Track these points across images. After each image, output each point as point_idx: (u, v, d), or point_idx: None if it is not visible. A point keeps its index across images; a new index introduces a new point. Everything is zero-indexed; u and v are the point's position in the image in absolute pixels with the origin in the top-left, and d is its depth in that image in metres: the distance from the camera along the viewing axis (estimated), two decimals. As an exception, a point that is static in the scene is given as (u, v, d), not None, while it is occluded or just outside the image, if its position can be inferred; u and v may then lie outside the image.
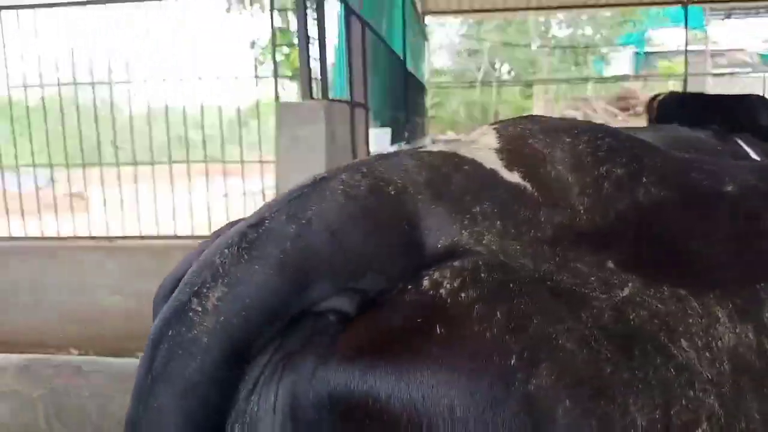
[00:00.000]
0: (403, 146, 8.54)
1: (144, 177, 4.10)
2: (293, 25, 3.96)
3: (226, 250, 0.61)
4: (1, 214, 4.12)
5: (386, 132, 5.85)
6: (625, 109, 17.21)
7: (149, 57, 3.97)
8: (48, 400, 2.10)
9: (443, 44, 24.77)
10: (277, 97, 3.64)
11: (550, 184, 0.69)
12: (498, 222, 0.62)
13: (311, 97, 3.56)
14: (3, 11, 3.95)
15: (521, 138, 0.75)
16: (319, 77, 3.81)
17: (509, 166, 0.70)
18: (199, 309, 0.57)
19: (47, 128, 4.07)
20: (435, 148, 0.73)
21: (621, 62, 21.80)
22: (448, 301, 0.56)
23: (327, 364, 0.56)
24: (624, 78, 19.40)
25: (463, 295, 0.56)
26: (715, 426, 0.52)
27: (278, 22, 5.02)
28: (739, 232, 0.70)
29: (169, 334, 0.58)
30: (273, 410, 0.57)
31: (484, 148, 0.73)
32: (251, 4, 6.44)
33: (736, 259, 0.66)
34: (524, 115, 0.87)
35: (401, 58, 9.05)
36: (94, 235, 4.05)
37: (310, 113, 3.35)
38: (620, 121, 17.41)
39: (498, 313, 0.54)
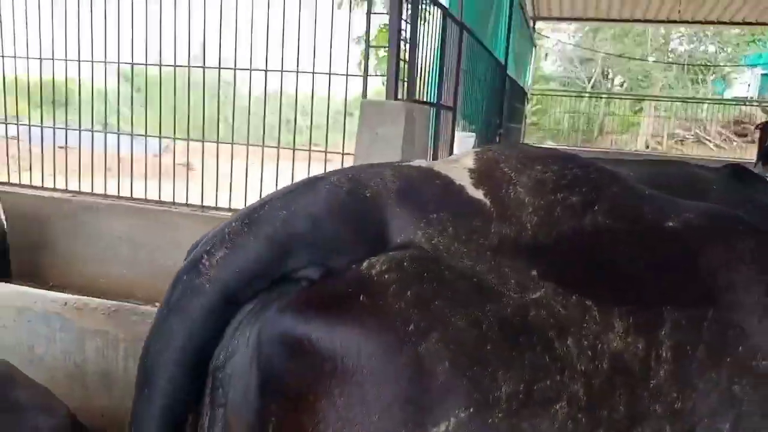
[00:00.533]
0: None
1: (254, 156, 4.39)
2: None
3: (233, 224, 0.81)
4: (115, 174, 4.60)
5: (471, 136, 5.93)
6: (741, 135, 16.20)
7: (268, 46, 4.24)
8: (129, 345, 2.37)
9: (554, 51, 24.25)
10: (364, 95, 3.85)
11: (507, 202, 0.82)
12: (450, 228, 0.77)
13: (395, 97, 3.74)
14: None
15: (495, 162, 0.89)
16: (406, 78, 3.99)
17: (476, 184, 0.84)
18: (207, 263, 0.78)
19: (175, 102, 4.40)
20: (420, 164, 0.88)
21: (744, 84, 20.42)
22: (375, 279, 0.72)
23: (283, 313, 0.75)
24: (745, 101, 18.19)
25: (386, 276, 0.72)
26: (573, 406, 0.65)
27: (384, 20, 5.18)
28: (663, 261, 0.80)
29: (184, 279, 0.78)
30: (247, 344, 0.76)
31: (460, 167, 0.88)
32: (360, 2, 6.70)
33: (653, 284, 0.77)
34: (514, 143, 1.01)
35: (502, 63, 9.05)
36: (191, 203, 4.45)
37: (390, 113, 3.53)
38: (734, 146, 16.37)
39: (408, 292, 0.69)
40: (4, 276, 3.75)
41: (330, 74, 4.18)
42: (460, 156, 0.93)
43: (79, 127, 4.65)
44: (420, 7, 4.11)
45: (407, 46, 3.93)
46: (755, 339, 0.76)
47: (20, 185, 4.66)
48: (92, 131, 4.59)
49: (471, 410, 0.64)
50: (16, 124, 5.04)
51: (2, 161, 4.92)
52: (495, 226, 0.79)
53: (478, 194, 0.83)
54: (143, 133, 4.62)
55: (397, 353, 0.67)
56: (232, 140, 4.39)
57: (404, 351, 0.67)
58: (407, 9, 3.90)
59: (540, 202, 0.83)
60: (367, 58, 3.78)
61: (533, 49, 14.31)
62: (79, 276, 4.21)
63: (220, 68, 4.42)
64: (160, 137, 4.59)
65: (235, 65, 4.38)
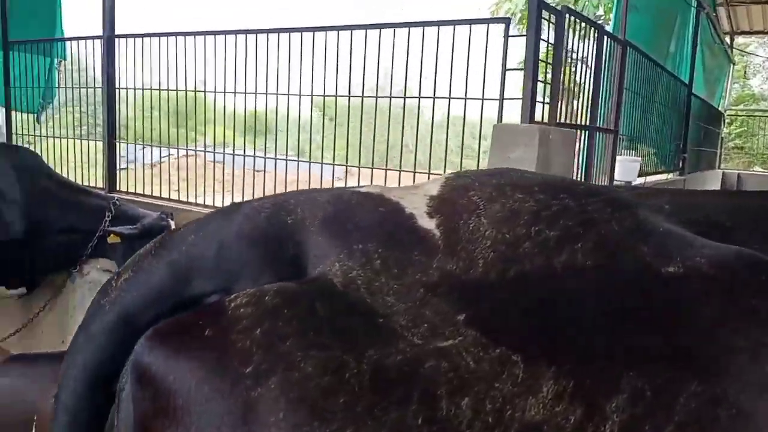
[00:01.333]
0: (669, 177, 7.78)
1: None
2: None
3: (148, 246, 0.82)
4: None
5: (636, 161, 5.44)
6: None
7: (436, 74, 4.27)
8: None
9: (765, 67, 21.53)
10: (500, 119, 3.73)
11: (462, 234, 0.72)
12: (378, 261, 0.69)
13: (531, 120, 3.58)
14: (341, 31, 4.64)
15: (465, 189, 0.79)
16: (549, 100, 3.80)
17: (431, 213, 0.75)
18: (114, 285, 0.79)
19: (361, 130, 4.58)
20: (369, 189, 0.81)
21: None
22: (229, 312, 0.67)
23: (142, 340, 0.73)
24: None
25: (241, 310, 0.66)
26: None
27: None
28: (643, 315, 0.64)
29: (95, 299, 0.81)
30: (131, 366, 0.75)
31: (420, 194, 0.79)
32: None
33: (620, 342, 0.62)
34: (504, 168, 0.88)
35: (685, 82, 8.23)
36: None
37: (523, 136, 3.37)
38: None
39: (258, 329, 0.63)
40: None
41: (481, 99, 4.10)
42: (429, 182, 0.84)
43: (275, 153, 5.06)
44: (567, 25, 3.91)
45: (548, 66, 3.75)
46: (760, 423, 0.58)
47: (193, 203, 5.23)
48: (285, 159, 5.00)
49: (300, 472, 0.56)
50: (222, 153, 5.62)
51: (208, 183, 5.55)
52: (438, 261, 0.69)
53: (429, 224, 0.73)
54: (331, 159, 4.89)
55: (227, 397, 0.61)
56: (414, 168, 4.48)
57: (234, 394, 0.61)
58: (550, 28, 3.73)
59: (505, 235, 0.72)
60: (503, 81, 3.67)
61: (730, 66, 12.81)
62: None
63: (390, 97, 4.56)
64: (343, 164, 4.86)
65: (419, 93, 4.43)
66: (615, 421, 0.56)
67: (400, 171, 4.34)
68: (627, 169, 5.25)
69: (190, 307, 0.78)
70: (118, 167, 5.77)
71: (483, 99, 3.84)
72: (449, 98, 4.00)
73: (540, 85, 3.75)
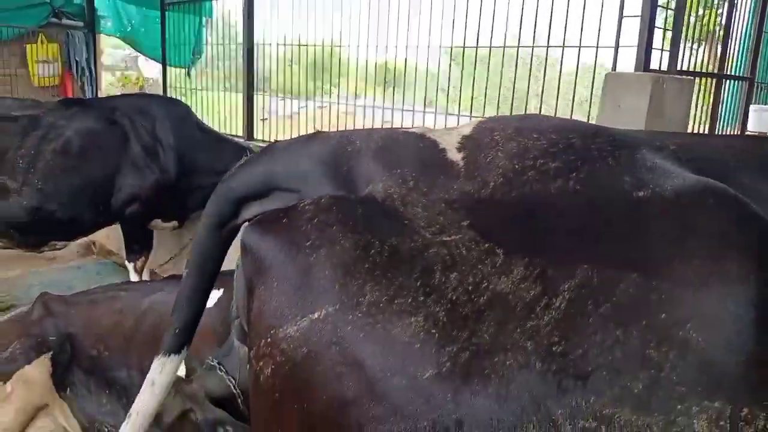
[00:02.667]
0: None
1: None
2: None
3: (258, 151, 1.11)
4: None
5: (771, 110, 5.05)
6: None
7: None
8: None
9: None
10: (614, 67, 3.70)
11: (480, 164, 0.93)
12: (411, 182, 0.92)
13: (646, 68, 3.52)
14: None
15: (490, 130, 0.99)
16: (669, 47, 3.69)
17: (459, 148, 0.96)
18: (231, 171, 1.10)
19: (486, 78, 4.66)
20: (416, 130, 1.03)
21: None
22: (299, 208, 0.94)
23: (247, 224, 1.02)
24: None
25: (306, 207, 0.93)
26: (429, 322, 0.77)
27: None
28: (605, 226, 0.83)
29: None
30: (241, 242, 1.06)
31: (455, 133, 1.00)
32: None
33: (584, 245, 0.82)
34: (534, 114, 1.06)
35: None
36: None
37: (634, 85, 3.34)
38: None
39: (316, 219, 0.90)
40: None
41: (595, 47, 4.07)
42: (467, 125, 1.04)
43: (402, 105, 5.32)
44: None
45: (668, 12, 3.63)
46: (686, 311, 0.75)
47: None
48: (412, 111, 5.29)
49: (336, 307, 0.82)
50: (354, 105, 6.00)
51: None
52: (458, 183, 0.91)
53: (456, 157, 0.94)
54: (461, 111, 5.06)
55: (294, 260, 0.89)
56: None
57: (298, 259, 0.88)
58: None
59: (514, 165, 0.91)
60: (619, 29, 3.62)
61: None
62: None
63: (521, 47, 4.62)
64: (469, 115, 5.06)
65: (548, 43, 4.46)
66: (565, 297, 0.76)
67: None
68: (763, 119, 4.91)
69: (272, 194, 1.06)
70: (256, 118, 6.35)
71: (597, 47, 3.81)
72: (563, 47, 4.00)
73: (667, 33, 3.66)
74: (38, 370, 2.82)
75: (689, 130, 4.01)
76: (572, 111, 4.27)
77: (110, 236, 5.75)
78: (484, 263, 0.81)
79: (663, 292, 0.76)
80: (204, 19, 7.03)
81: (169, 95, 7.31)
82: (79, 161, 4.39)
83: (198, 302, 1.16)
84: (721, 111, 4.43)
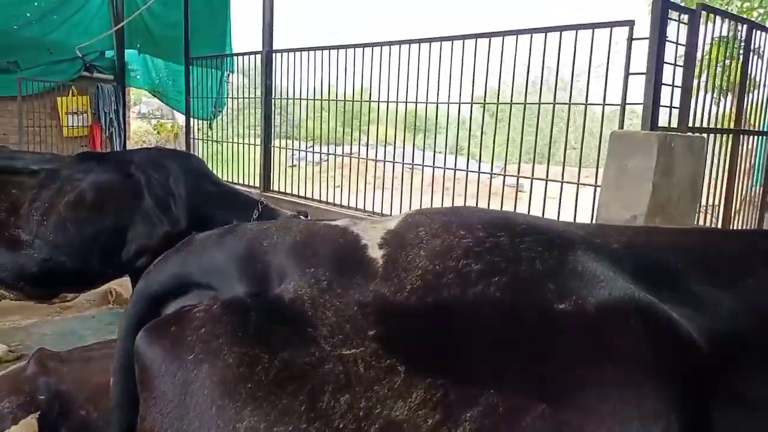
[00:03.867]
0: None
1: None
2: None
3: (177, 245, 1.08)
4: (450, 193, 5.12)
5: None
6: None
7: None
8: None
9: None
10: (621, 125, 3.63)
11: (400, 264, 0.87)
12: (324, 282, 0.86)
13: (653, 127, 3.44)
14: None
15: (416, 226, 0.93)
16: (679, 105, 3.62)
17: (381, 245, 0.91)
18: (151, 269, 1.07)
19: (522, 128, 4.70)
20: (339, 223, 0.98)
21: None
22: (189, 315, 0.89)
23: (141, 330, 0.98)
24: None
25: (197, 314, 0.88)
26: None
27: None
28: (517, 345, 0.76)
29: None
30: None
31: (380, 228, 0.94)
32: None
33: (492, 366, 0.75)
34: (464, 207, 1.00)
35: None
36: None
37: (640, 144, 3.26)
38: None
39: (203, 329, 0.85)
40: None
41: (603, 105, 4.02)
42: (393, 218, 0.99)
43: (434, 149, 5.24)
44: (704, 22, 3.67)
45: (676, 68, 3.57)
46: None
47: (331, 203, 5.67)
48: (435, 153, 5.29)
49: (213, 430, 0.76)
50: (374, 151, 5.96)
51: (368, 180, 6.01)
52: (374, 285, 0.85)
53: (377, 254, 0.89)
54: (490, 158, 4.98)
55: (174, 375, 0.83)
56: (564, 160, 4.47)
57: (179, 375, 0.82)
58: (681, 26, 3.55)
59: (435, 267, 0.85)
60: (625, 87, 3.56)
61: None
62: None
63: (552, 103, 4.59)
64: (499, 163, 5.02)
65: (570, 100, 4.42)
66: (465, 428, 0.69)
67: (531, 175, 4.34)
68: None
69: (191, 291, 1.02)
70: (272, 169, 6.42)
71: (604, 104, 3.76)
72: (569, 104, 3.97)
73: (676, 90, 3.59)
74: (24, 430, 2.79)
75: (705, 188, 3.88)
76: (598, 156, 4.18)
77: (126, 285, 5.80)
78: (381, 383, 0.75)
79: (572, 429, 0.68)
80: (226, 74, 7.23)
81: (192, 146, 7.46)
82: (90, 213, 4.47)
83: (130, 410, 1.11)
84: (741, 166, 4.29)
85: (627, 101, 3.75)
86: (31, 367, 3.06)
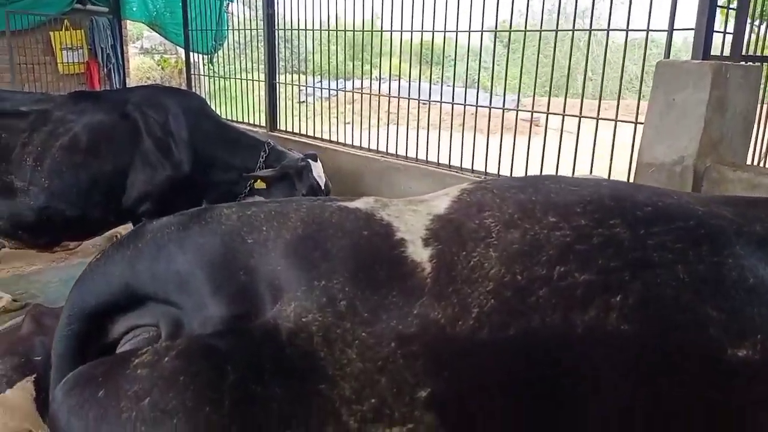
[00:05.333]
0: None
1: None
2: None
3: (119, 240, 0.79)
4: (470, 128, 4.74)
5: None
6: None
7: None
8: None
9: None
10: (667, 54, 3.23)
11: (458, 270, 0.58)
12: (343, 302, 0.57)
13: (706, 56, 3.05)
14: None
15: (479, 207, 0.63)
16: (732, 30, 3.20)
17: (428, 239, 0.61)
18: (86, 270, 0.80)
19: (538, 58, 4.16)
20: (359, 204, 0.67)
21: None
22: (127, 371, 0.60)
23: (58, 386, 0.72)
24: None
25: (138, 371, 0.59)
26: None
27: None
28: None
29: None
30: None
31: (423, 211, 0.64)
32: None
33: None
34: (544, 175, 0.68)
35: None
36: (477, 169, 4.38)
37: (691, 75, 2.89)
38: None
39: (147, 399, 0.56)
40: None
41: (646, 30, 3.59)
42: (441, 194, 0.68)
43: (441, 82, 4.77)
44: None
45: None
46: None
47: (341, 144, 5.33)
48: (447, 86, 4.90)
49: None
50: (387, 84, 5.54)
51: (373, 113, 5.63)
52: (421, 306, 0.56)
53: (420, 254, 0.59)
54: (507, 91, 4.55)
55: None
56: (582, 93, 4.08)
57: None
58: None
59: (516, 276, 0.56)
60: (673, 10, 3.14)
61: None
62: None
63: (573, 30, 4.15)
64: (514, 94, 4.62)
65: (591, 26, 3.98)
66: None
67: (565, 99, 3.98)
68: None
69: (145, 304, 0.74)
70: (278, 107, 6.04)
71: (648, 30, 3.35)
72: (608, 30, 3.55)
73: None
74: (20, 394, 2.62)
75: (756, 127, 3.51)
76: (620, 89, 3.78)
77: (130, 231, 5.58)
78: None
79: None
80: (226, 4, 6.75)
81: (192, 83, 7.08)
82: (86, 157, 4.19)
83: None
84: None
85: (669, 27, 3.32)
86: (27, 325, 2.86)
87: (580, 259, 0.56)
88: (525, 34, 4.13)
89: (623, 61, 3.50)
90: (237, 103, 6.53)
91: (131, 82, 8.99)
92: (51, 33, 7.69)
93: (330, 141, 5.43)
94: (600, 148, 3.77)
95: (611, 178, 3.67)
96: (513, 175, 4.12)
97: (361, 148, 5.12)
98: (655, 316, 0.52)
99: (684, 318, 0.51)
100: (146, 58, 17.55)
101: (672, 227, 0.59)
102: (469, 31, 4.34)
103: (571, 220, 0.59)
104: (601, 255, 0.56)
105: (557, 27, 3.88)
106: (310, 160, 4.23)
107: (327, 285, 0.60)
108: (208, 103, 6.52)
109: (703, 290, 0.53)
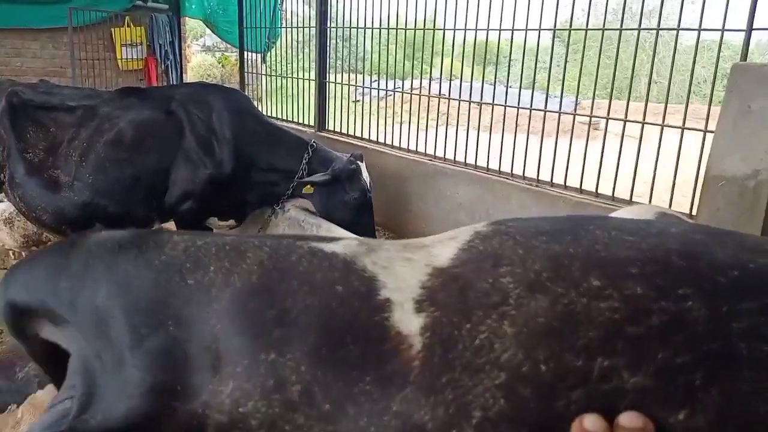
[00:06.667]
0: None
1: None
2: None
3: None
4: (523, 129, 4.57)
5: None
6: None
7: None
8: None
9: None
10: (744, 56, 2.93)
11: (457, 351, 0.41)
12: (296, 387, 0.41)
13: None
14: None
15: (495, 259, 0.45)
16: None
17: (421, 303, 0.44)
18: None
19: (599, 60, 3.96)
20: (337, 248, 0.50)
21: None
22: None
23: None
24: None
25: None
26: None
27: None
28: None
29: None
30: None
31: (419, 262, 0.47)
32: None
33: None
34: (589, 216, 0.49)
35: None
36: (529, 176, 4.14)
37: (771, 81, 2.59)
38: None
39: None
40: (369, 226, 4.27)
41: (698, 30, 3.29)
42: (449, 236, 0.51)
43: (494, 83, 4.52)
44: None
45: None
46: None
47: (388, 145, 5.17)
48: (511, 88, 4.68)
49: None
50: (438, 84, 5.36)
51: (422, 114, 5.48)
52: (402, 400, 0.39)
53: (408, 325, 0.42)
54: (565, 93, 4.31)
55: None
56: (647, 97, 3.80)
57: None
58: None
59: (539, 366, 0.38)
60: (753, 7, 2.85)
61: None
62: (424, 233, 4.49)
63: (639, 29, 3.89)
64: (572, 96, 4.38)
65: (659, 25, 3.70)
66: None
67: (627, 102, 3.70)
68: None
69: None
70: (327, 107, 5.94)
71: (723, 30, 3.05)
72: (677, 29, 3.26)
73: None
74: (50, 395, 2.59)
75: None
76: (689, 93, 3.46)
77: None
78: None
79: None
80: (280, 1, 6.70)
81: (247, 80, 7.08)
82: (130, 154, 4.18)
83: None
84: None
85: (748, 26, 3.01)
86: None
87: (633, 349, 0.38)
88: (586, 33, 3.86)
89: (693, 63, 3.20)
90: (290, 102, 6.47)
91: (189, 78, 9.13)
92: (112, 29, 7.85)
93: (377, 142, 5.28)
94: (664, 157, 3.47)
95: (675, 192, 3.37)
96: (571, 185, 3.86)
97: (408, 150, 4.95)
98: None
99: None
100: (207, 55, 17.91)
101: (760, 303, 0.40)
102: (526, 30, 4.10)
103: (622, 287, 0.41)
104: (662, 344, 0.38)
105: (621, 26, 3.61)
106: (357, 160, 4.11)
107: (278, 360, 0.44)
108: (261, 101, 6.49)
109: None
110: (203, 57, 17.64)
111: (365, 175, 4.18)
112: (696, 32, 3.23)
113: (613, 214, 0.66)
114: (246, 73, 7.17)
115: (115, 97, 4.37)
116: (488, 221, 0.52)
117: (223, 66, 16.35)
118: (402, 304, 0.46)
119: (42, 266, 0.60)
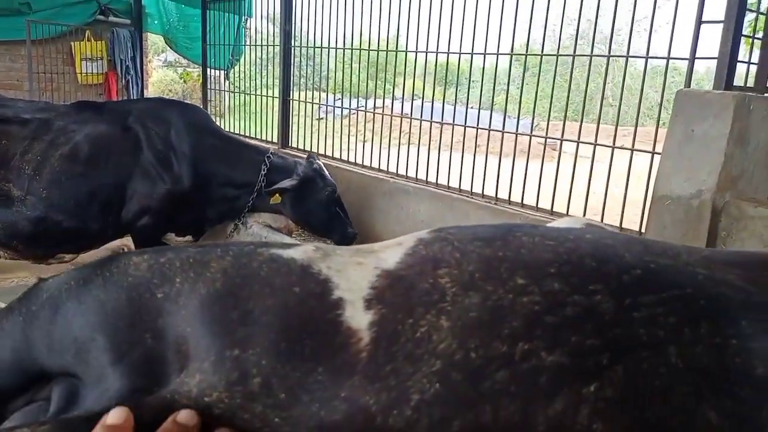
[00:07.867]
0: None
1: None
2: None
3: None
4: (482, 150, 4.67)
5: None
6: None
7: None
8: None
9: None
10: (687, 83, 3.09)
11: (401, 342, 0.45)
12: (257, 379, 0.45)
13: (728, 86, 2.90)
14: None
15: (433, 264, 0.50)
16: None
17: (370, 301, 0.48)
18: None
19: (553, 83, 4.00)
20: (296, 254, 0.54)
21: None
22: None
23: None
24: None
25: None
26: None
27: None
28: None
29: None
30: None
31: (369, 266, 0.51)
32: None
33: None
34: (519, 224, 0.55)
35: None
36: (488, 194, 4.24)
37: (712, 106, 2.73)
38: None
39: None
40: (346, 218, 4.24)
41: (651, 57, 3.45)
42: (397, 242, 0.56)
43: (455, 104, 4.61)
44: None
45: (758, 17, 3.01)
46: None
47: (352, 163, 5.22)
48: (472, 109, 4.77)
49: None
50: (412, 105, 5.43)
51: (385, 133, 5.53)
52: (351, 387, 0.43)
53: (360, 321, 0.47)
54: (523, 114, 4.41)
55: None
56: (599, 119, 3.95)
57: None
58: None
59: (470, 353, 0.43)
60: (695, 38, 3.01)
61: None
62: (385, 251, 4.53)
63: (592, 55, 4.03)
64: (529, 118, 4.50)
65: (609, 52, 3.83)
66: None
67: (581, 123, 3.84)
68: None
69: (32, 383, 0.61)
70: (291, 124, 5.96)
71: (669, 58, 3.21)
72: (626, 56, 3.42)
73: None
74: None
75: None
76: (638, 116, 3.62)
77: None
78: None
79: None
80: (244, 19, 6.72)
81: (209, 97, 7.05)
82: (86, 168, 4.11)
83: None
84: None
85: (691, 55, 3.18)
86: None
87: (550, 335, 0.44)
88: (541, 58, 4.01)
89: (641, 88, 3.36)
90: (253, 118, 6.47)
91: (150, 94, 9.02)
92: (72, 43, 7.73)
93: (341, 160, 5.33)
94: (616, 176, 3.62)
95: (625, 210, 3.51)
96: (528, 203, 3.98)
97: (371, 168, 5.01)
98: (638, 416, 0.39)
99: (675, 422, 0.39)
100: (169, 71, 17.71)
101: (665, 296, 0.46)
102: (485, 53, 4.23)
103: (542, 284, 0.46)
104: (575, 330, 0.44)
105: (574, 51, 3.76)
106: (312, 161, 4.18)
107: (241, 356, 0.48)
108: (224, 118, 6.46)
109: (700, 383, 0.41)
110: (165, 72, 17.44)
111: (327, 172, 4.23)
112: (644, 59, 3.39)
113: (549, 224, 0.72)
114: (209, 90, 7.15)
115: (71, 111, 4.30)
116: (431, 228, 0.57)
117: (185, 81, 16.21)
118: (353, 303, 0.50)
119: (5, 332, 0.61)
